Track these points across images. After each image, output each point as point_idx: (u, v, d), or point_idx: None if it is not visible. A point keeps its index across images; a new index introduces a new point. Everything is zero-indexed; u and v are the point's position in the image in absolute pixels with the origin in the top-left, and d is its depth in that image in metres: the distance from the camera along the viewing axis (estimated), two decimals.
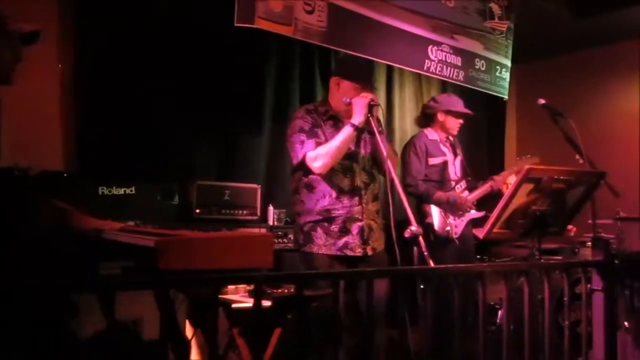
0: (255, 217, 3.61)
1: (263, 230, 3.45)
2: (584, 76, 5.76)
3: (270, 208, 3.77)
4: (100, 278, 1.62)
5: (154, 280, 1.42)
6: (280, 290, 2.53)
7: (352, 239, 2.79)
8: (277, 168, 4.02)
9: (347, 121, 2.75)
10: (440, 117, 3.79)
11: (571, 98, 5.56)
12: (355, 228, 2.81)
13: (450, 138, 3.87)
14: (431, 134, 3.82)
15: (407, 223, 2.41)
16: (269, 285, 2.51)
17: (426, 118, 3.87)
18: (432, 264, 2.28)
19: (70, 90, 3.32)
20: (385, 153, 2.58)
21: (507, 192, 2.37)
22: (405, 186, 3.55)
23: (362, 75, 2.84)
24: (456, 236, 3.62)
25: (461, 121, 3.83)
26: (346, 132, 2.69)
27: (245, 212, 3.56)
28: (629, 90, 5.56)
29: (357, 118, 2.69)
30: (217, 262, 1.76)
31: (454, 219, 3.66)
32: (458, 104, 3.85)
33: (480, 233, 2.48)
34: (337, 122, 2.86)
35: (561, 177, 2.46)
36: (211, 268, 1.72)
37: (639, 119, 5.45)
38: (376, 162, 2.91)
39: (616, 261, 2.53)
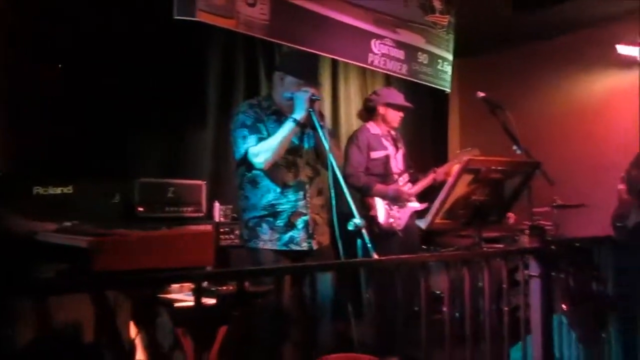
0: (200, 214, 3.55)
1: (208, 227, 3.39)
2: (523, 70, 5.92)
3: (216, 204, 3.72)
4: (29, 282, 1.55)
5: (85, 282, 1.36)
6: (225, 288, 2.50)
7: (298, 233, 2.79)
8: (222, 163, 3.97)
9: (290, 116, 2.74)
10: (381, 110, 3.83)
11: (510, 91, 5.71)
12: (300, 222, 2.81)
13: (392, 132, 3.93)
14: (373, 127, 3.86)
15: (351, 216, 2.42)
16: (213, 283, 2.47)
17: (368, 111, 3.91)
18: (375, 256, 2.30)
19: (4, 87, 3.17)
20: (327, 147, 2.58)
21: (447, 183, 2.41)
22: (345, 177, 3.58)
23: (305, 70, 2.82)
24: (400, 228, 3.67)
25: (401, 114, 3.88)
26: (287, 127, 2.67)
27: (190, 209, 3.50)
28: (564, 83, 5.76)
29: (299, 113, 2.68)
30: (156, 261, 1.72)
31: (398, 211, 3.71)
32: (398, 97, 3.91)
33: (424, 224, 2.52)
34: (280, 117, 2.83)
35: (499, 168, 2.53)
36: (150, 267, 1.68)
37: (575, 110, 5.66)
38: (320, 156, 2.91)
39: (552, 247, 2.63)
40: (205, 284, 2.40)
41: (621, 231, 3.83)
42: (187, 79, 3.84)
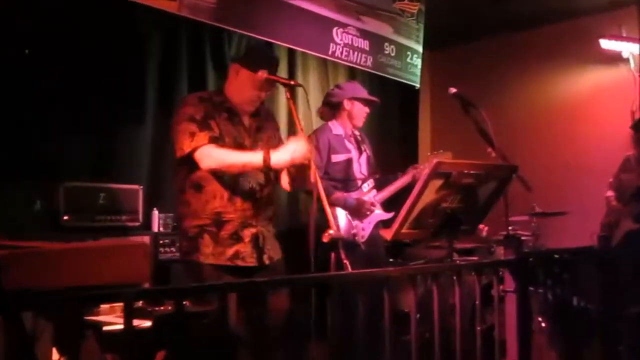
0: (137, 224, 3.51)
1: (144, 239, 3.34)
2: (500, 64, 6.06)
3: (155, 212, 3.67)
4: None
5: None
6: (163, 308, 2.46)
7: (244, 247, 2.76)
8: (162, 165, 3.92)
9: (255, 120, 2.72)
10: (347, 105, 3.84)
11: (486, 87, 5.83)
12: (247, 235, 2.78)
13: (356, 132, 3.95)
14: (336, 127, 3.86)
15: (327, 226, 2.45)
16: (149, 303, 2.43)
17: (331, 108, 3.91)
18: (350, 270, 2.32)
19: None
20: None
21: (415, 189, 2.43)
22: None
23: (266, 65, 2.78)
24: (363, 240, 3.69)
25: (367, 110, 3.91)
26: (254, 161, 2.62)
27: (124, 217, 3.45)
28: (544, 79, 5.91)
29: (279, 159, 2.62)
30: (81, 278, 1.68)
31: (361, 222, 3.73)
32: (364, 91, 3.94)
33: (388, 234, 2.54)
34: (233, 115, 2.81)
35: (471, 172, 2.56)
36: (74, 285, 1.63)
37: (555, 109, 5.81)
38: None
39: (530, 259, 2.69)
40: (139, 303, 2.35)
41: (604, 242, 3.94)
42: (122, 69, 3.77)
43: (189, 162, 2.71)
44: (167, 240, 3.57)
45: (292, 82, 2.77)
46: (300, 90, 4.45)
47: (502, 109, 5.76)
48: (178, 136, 2.72)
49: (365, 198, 3.77)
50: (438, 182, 2.49)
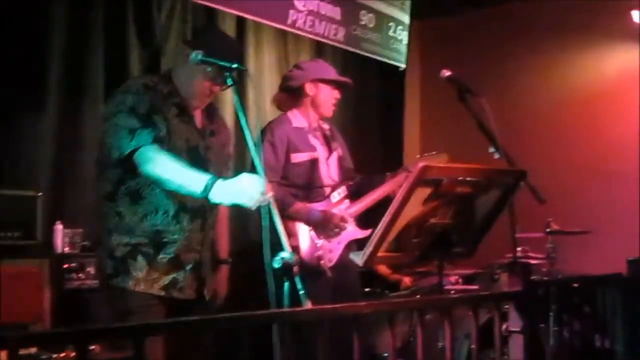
0: (32, 242, 3.46)
1: (42, 264, 3.29)
2: (507, 40, 6.08)
3: (58, 227, 3.64)
4: None
5: None
6: (64, 354, 2.43)
7: (184, 276, 2.81)
8: (70, 166, 3.89)
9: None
10: (309, 89, 3.83)
11: (489, 69, 5.88)
12: (189, 261, 2.81)
13: (324, 126, 3.95)
14: (297, 119, 3.85)
15: (278, 248, 2.45)
16: (46, 348, 2.39)
17: (290, 94, 3.91)
18: (309, 304, 2.33)
19: None
20: (254, 152, 2.58)
21: (395, 201, 2.43)
22: None
23: (227, 51, 2.79)
24: (331, 264, 3.68)
25: (337, 95, 3.90)
26: (196, 187, 2.59)
27: (16, 234, 3.40)
28: (563, 60, 5.95)
29: (223, 199, 2.60)
30: None
31: (329, 241, 3.73)
32: (330, 71, 3.94)
33: (360, 259, 2.53)
34: (183, 111, 2.84)
35: (468, 178, 2.57)
36: None
37: (576, 98, 5.86)
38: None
39: (540, 291, 2.71)
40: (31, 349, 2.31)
41: (636, 267, 3.99)
42: (17, 43, 3.72)
43: (125, 165, 2.72)
44: (74, 264, 3.53)
45: (234, 66, 2.75)
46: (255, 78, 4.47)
47: (508, 97, 5.81)
48: (115, 131, 2.72)
49: (335, 210, 3.77)
50: (425, 192, 2.50)
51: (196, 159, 2.79)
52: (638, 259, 3.93)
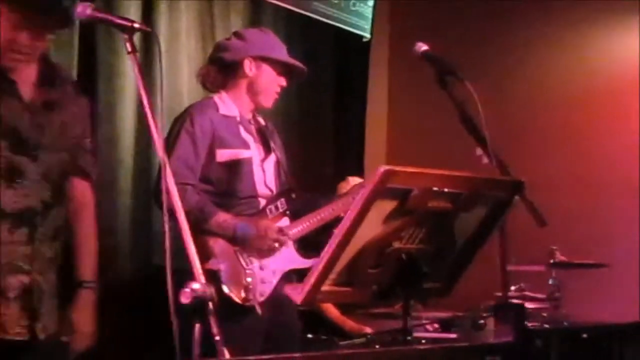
0: None
1: None
2: (499, 12, 6.11)
3: None
4: None
5: None
6: None
7: (8, 308, 2.80)
8: None
9: None
10: (249, 67, 3.85)
11: (476, 46, 5.91)
12: (14, 287, 2.81)
13: (260, 119, 3.98)
14: (226, 104, 3.88)
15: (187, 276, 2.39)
16: None
17: (221, 70, 3.90)
18: (227, 354, 2.31)
19: None
20: (158, 142, 2.53)
21: (346, 218, 2.42)
22: (156, 190, 3.56)
23: None
24: (262, 299, 3.69)
25: (283, 82, 3.93)
26: None
27: None
28: (569, 41, 6.02)
29: None
30: None
31: (260, 266, 3.73)
32: (279, 48, 3.97)
33: (298, 296, 2.52)
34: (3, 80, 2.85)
35: (446, 190, 2.58)
36: None
37: (585, 90, 5.90)
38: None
39: (538, 343, 2.73)
40: None
41: None
42: None
43: None
44: None
45: (135, 25, 2.71)
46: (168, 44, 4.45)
47: (501, 84, 5.87)
48: None
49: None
50: (388, 206, 2.50)
51: (18, 145, 2.81)
52: None
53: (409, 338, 3.81)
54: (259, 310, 3.65)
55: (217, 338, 2.36)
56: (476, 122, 3.20)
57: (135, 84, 4.43)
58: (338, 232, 2.44)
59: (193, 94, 4.16)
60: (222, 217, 3.68)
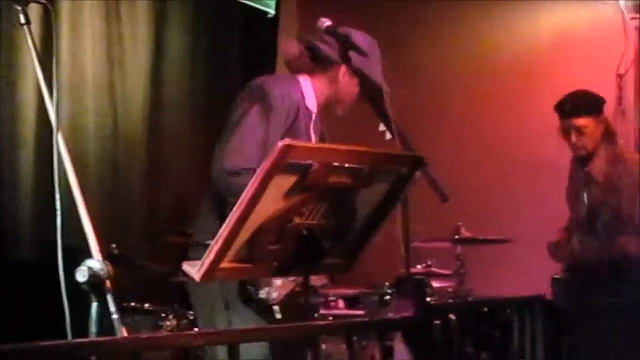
0: None
1: None
2: None
3: None
4: None
5: None
6: None
7: None
8: None
9: None
10: (342, 75, 3.61)
11: (384, 20, 5.91)
12: None
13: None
14: (309, 94, 3.66)
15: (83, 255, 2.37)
16: None
17: (314, 58, 3.68)
18: (124, 332, 2.30)
19: None
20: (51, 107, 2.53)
21: (245, 193, 2.41)
22: (222, 169, 3.43)
23: None
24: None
25: (355, 94, 3.71)
26: None
27: None
28: (483, 14, 6.06)
29: None
30: None
31: None
32: (377, 67, 3.68)
33: (197, 272, 2.50)
34: None
35: (346, 165, 2.58)
36: None
37: (498, 64, 5.96)
38: None
39: (440, 316, 2.75)
40: None
41: (562, 285, 4.13)
42: None
43: None
44: None
45: None
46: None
47: (410, 58, 5.88)
48: None
49: None
50: (287, 181, 2.49)
51: None
52: (564, 277, 4.07)
53: (316, 315, 3.87)
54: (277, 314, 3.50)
55: (115, 316, 2.36)
56: (379, 99, 3.22)
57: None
58: (236, 208, 2.42)
59: (96, 69, 4.09)
60: None
